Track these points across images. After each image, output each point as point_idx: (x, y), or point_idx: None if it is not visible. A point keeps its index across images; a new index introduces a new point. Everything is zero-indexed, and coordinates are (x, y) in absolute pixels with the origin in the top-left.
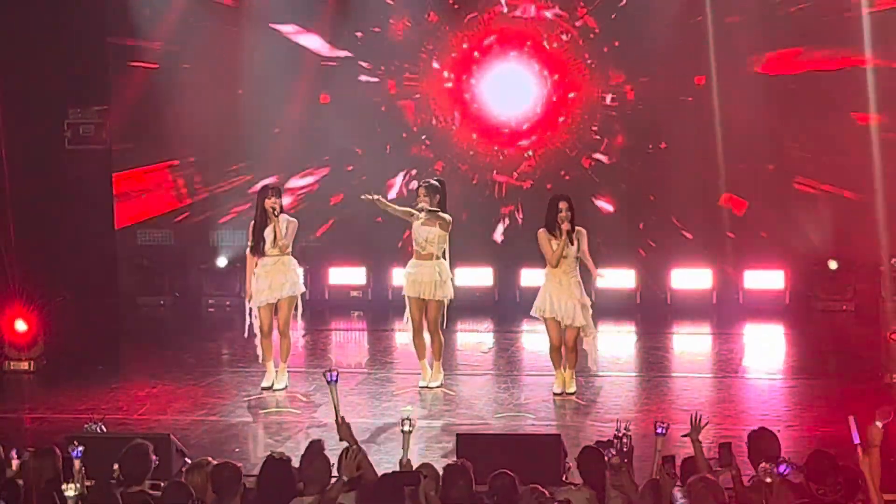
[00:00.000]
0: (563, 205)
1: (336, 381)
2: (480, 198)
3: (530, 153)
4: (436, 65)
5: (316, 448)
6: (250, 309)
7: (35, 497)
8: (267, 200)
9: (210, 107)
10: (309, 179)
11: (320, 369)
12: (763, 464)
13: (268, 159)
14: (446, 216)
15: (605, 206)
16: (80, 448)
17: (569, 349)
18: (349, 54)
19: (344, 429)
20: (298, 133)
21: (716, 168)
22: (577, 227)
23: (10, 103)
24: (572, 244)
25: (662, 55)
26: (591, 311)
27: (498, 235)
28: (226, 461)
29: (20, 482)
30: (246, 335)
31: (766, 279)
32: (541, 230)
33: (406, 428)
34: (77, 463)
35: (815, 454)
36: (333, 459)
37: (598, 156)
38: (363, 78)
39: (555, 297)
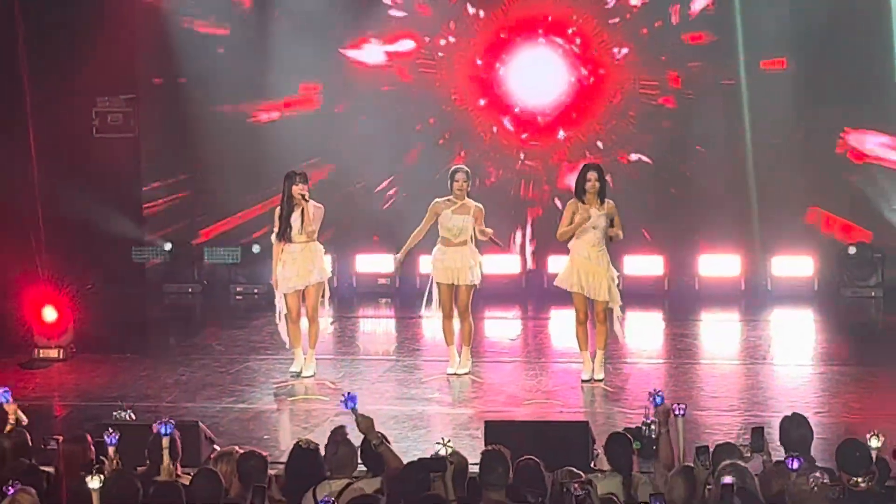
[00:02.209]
0: (591, 174)
1: (355, 407)
2: (509, 186)
3: (561, 134)
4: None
5: (339, 435)
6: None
7: (66, 484)
8: (294, 187)
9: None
10: (330, 168)
11: (348, 357)
12: (815, 473)
13: (294, 148)
14: (480, 206)
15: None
16: (116, 435)
17: (599, 321)
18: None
19: (364, 424)
20: (319, 121)
21: (744, 155)
22: (607, 201)
23: (39, 92)
24: (589, 218)
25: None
26: (616, 283)
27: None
28: (252, 450)
29: (50, 469)
30: (278, 321)
31: (794, 266)
32: (571, 200)
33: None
34: (112, 450)
35: (846, 443)
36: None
37: (634, 156)
38: (387, 63)
39: (581, 271)
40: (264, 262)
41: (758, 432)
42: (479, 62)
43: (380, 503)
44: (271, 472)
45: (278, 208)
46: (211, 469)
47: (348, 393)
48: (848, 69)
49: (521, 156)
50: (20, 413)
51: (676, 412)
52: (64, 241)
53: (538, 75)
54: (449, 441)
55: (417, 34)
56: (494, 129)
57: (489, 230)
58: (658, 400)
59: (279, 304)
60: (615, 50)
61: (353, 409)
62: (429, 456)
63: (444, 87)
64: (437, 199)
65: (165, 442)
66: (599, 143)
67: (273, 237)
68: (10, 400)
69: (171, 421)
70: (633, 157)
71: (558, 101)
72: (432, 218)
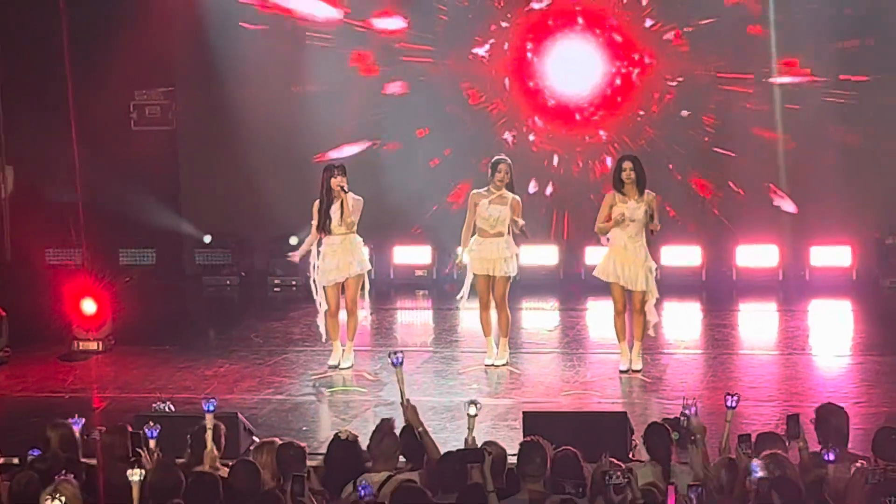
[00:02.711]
0: (626, 164)
1: (402, 363)
2: (545, 175)
3: (603, 133)
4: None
5: (386, 427)
6: (316, 287)
7: (106, 475)
8: (333, 179)
9: (271, 87)
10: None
11: (386, 348)
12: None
13: (329, 138)
14: (517, 198)
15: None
16: (157, 428)
17: (636, 312)
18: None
19: (410, 411)
20: (361, 111)
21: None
22: (646, 192)
23: (78, 86)
24: (623, 216)
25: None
26: (654, 275)
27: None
28: (290, 441)
29: (92, 461)
30: (319, 313)
31: (832, 255)
32: (609, 193)
33: (472, 412)
34: (152, 442)
35: (882, 431)
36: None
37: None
38: (426, 57)
39: (619, 262)
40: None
41: (793, 419)
42: (529, 55)
43: (422, 493)
44: (310, 463)
45: (317, 201)
46: (249, 460)
47: (397, 351)
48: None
49: (561, 145)
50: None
51: (729, 403)
52: (104, 234)
53: (579, 65)
54: (478, 403)
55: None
56: (537, 119)
57: (521, 221)
58: (693, 411)
59: (318, 297)
60: (664, 37)
61: (398, 367)
62: (467, 446)
63: (485, 76)
64: (474, 191)
65: (209, 422)
66: (639, 133)
67: (313, 229)
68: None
69: (214, 398)
70: (678, 147)
71: (600, 90)
72: (473, 209)
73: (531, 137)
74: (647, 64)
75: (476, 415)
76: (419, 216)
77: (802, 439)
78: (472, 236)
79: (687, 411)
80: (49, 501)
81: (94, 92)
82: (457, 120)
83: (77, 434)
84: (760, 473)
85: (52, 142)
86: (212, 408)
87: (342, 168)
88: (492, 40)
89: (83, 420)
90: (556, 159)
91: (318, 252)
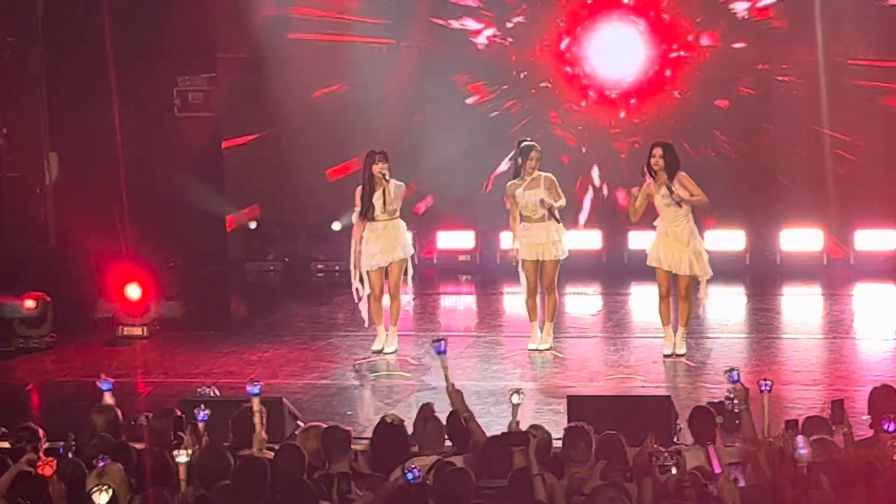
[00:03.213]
0: (656, 151)
1: (445, 351)
2: (589, 160)
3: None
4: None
5: (427, 411)
6: (359, 274)
7: (152, 458)
8: (375, 166)
9: (316, 73)
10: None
11: (430, 333)
12: None
13: (371, 124)
14: (551, 176)
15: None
16: (206, 412)
17: (681, 297)
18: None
19: (456, 396)
20: (400, 97)
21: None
22: (679, 172)
23: (121, 72)
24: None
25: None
26: (706, 256)
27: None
28: (335, 425)
29: (139, 446)
30: (356, 300)
31: (877, 239)
32: (648, 178)
33: (515, 400)
34: (201, 426)
35: None
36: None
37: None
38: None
39: (663, 246)
40: (344, 240)
41: (838, 405)
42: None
43: (468, 476)
44: (357, 447)
45: (360, 187)
46: (294, 444)
47: (440, 339)
48: None
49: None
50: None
51: (762, 388)
52: (147, 220)
53: (621, 50)
54: (520, 391)
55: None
56: (583, 103)
57: (553, 203)
58: (735, 376)
59: (356, 284)
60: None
61: (442, 354)
62: (511, 430)
63: (525, 62)
64: (509, 182)
65: (257, 405)
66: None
67: (355, 216)
68: (112, 388)
69: (259, 382)
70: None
71: (642, 75)
72: (513, 201)
73: (576, 121)
74: (696, 48)
75: (520, 403)
76: (462, 201)
77: (847, 424)
78: (518, 224)
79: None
80: (97, 494)
81: (137, 78)
82: (501, 103)
83: (119, 415)
84: (804, 451)
85: (96, 128)
86: (257, 391)
87: (384, 154)
88: (537, 20)
89: (112, 381)
90: (601, 145)
91: (362, 237)
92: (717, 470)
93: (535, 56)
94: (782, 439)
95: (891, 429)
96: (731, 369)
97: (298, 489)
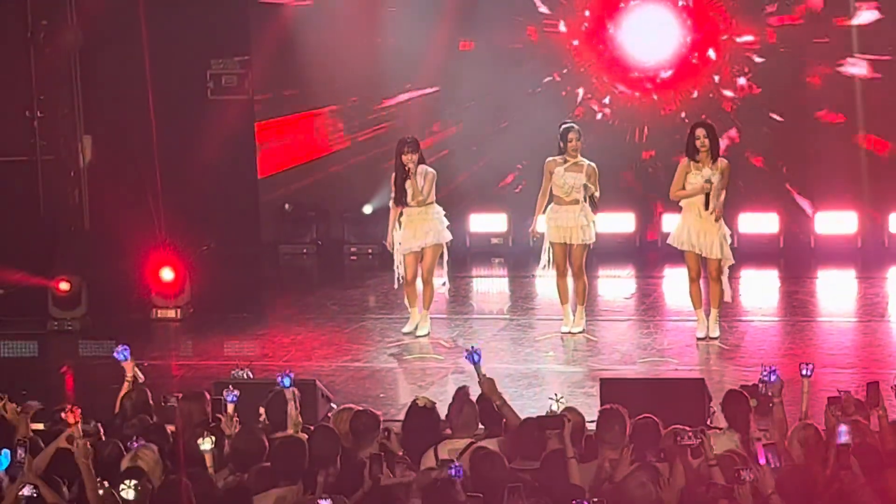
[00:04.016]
0: (699, 131)
1: (479, 361)
2: (621, 143)
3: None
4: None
5: (463, 394)
6: (396, 258)
7: (184, 440)
8: (403, 156)
9: (350, 55)
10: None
11: (462, 316)
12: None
13: (407, 106)
14: (593, 164)
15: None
16: (236, 392)
17: (713, 279)
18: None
19: (487, 384)
20: (438, 79)
21: (855, 109)
22: (721, 158)
23: (155, 55)
24: (705, 178)
25: None
26: (729, 241)
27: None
28: (365, 409)
29: (169, 427)
30: (396, 286)
31: None
32: (683, 160)
33: (554, 408)
34: (231, 407)
35: None
36: None
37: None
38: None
39: (693, 230)
40: (377, 223)
41: (874, 387)
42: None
43: (502, 460)
44: (394, 428)
45: (393, 174)
46: (328, 426)
47: (473, 347)
48: None
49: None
50: (137, 371)
51: (804, 372)
52: (181, 203)
53: (656, 32)
54: (561, 398)
55: None
56: (618, 87)
57: (596, 192)
58: (773, 378)
59: (398, 269)
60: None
61: (477, 364)
62: (545, 413)
63: (561, 46)
64: (549, 158)
65: (289, 393)
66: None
67: (391, 202)
68: (129, 357)
69: (291, 373)
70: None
71: (677, 57)
72: (549, 176)
73: (607, 104)
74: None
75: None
76: (495, 183)
77: (882, 407)
78: (547, 204)
79: (765, 377)
80: (125, 490)
81: (170, 61)
82: (534, 87)
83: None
84: (846, 439)
85: (129, 111)
86: (288, 383)
87: (413, 143)
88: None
89: (128, 348)
90: (633, 127)
91: (399, 223)
92: (762, 461)
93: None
94: (825, 416)
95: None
96: (771, 370)
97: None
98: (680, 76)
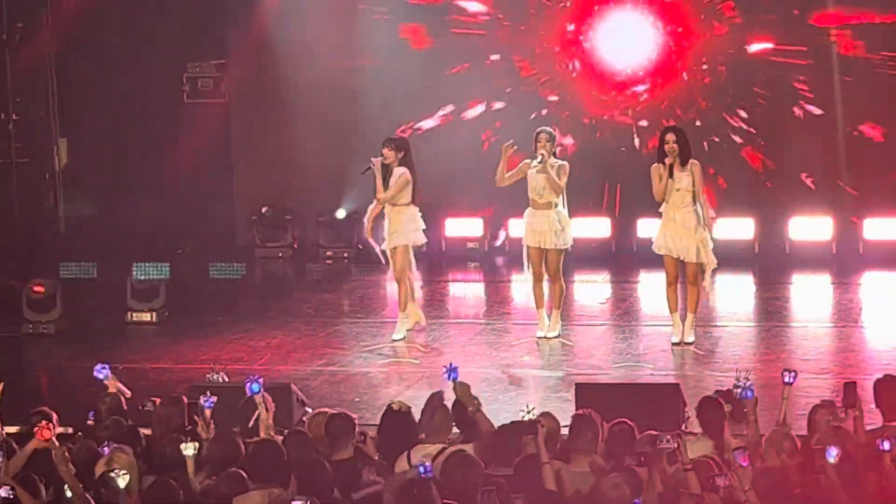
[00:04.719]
0: (669, 136)
1: (456, 377)
2: (599, 148)
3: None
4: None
5: (437, 400)
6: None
7: (161, 445)
8: (384, 150)
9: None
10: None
11: (438, 320)
12: None
13: (378, 111)
14: (565, 163)
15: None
16: (213, 398)
17: (690, 284)
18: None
19: (461, 390)
20: (410, 84)
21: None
22: (691, 160)
23: (130, 58)
24: (671, 176)
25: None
26: (711, 244)
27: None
28: (340, 412)
29: (144, 431)
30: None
31: (887, 228)
32: (654, 164)
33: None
34: (208, 412)
35: None
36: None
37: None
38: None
39: (670, 233)
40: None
41: (850, 388)
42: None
43: (477, 464)
44: (369, 433)
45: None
46: (303, 430)
47: (451, 364)
48: None
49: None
50: (121, 386)
51: (786, 379)
52: (157, 206)
53: (631, 36)
54: (533, 408)
55: None
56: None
57: (553, 176)
58: (748, 394)
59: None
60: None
61: (454, 381)
62: (520, 419)
63: (537, 49)
64: (527, 160)
65: (259, 398)
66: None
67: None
68: (110, 376)
69: (260, 378)
70: (730, 119)
71: (651, 60)
72: (519, 174)
73: (583, 109)
74: (698, 35)
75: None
76: (470, 189)
77: (858, 408)
78: (503, 176)
79: (740, 389)
80: (119, 478)
81: (146, 64)
82: (507, 92)
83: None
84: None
85: (105, 114)
86: (257, 389)
87: (392, 140)
88: (541, 11)
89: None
90: (607, 131)
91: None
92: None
93: (550, 44)
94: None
95: (886, 447)
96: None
97: (314, 470)
98: (654, 78)
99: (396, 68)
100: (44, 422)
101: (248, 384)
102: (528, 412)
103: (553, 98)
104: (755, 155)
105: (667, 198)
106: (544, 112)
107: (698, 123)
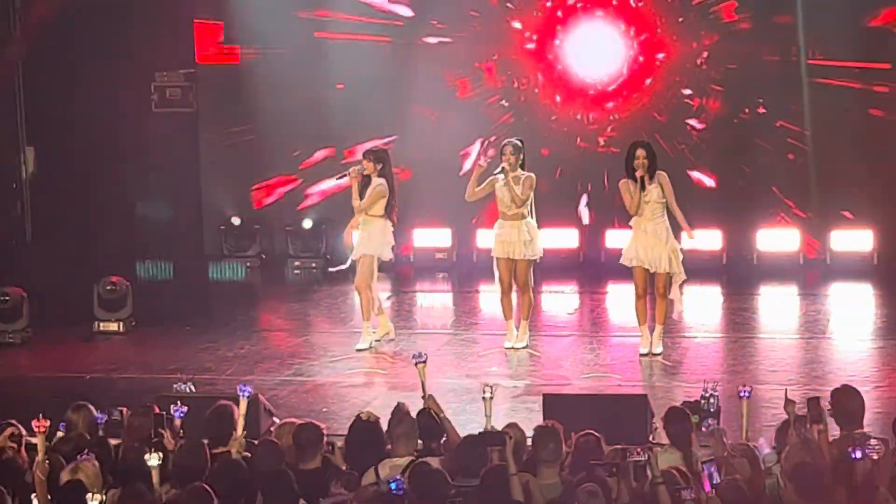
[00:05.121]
0: (639, 152)
1: (425, 362)
2: (566, 160)
3: (616, 116)
4: (517, 25)
5: (402, 411)
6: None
7: (130, 454)
8: (364, 161)
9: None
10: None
11: (406, 331)
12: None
13: (341, 125)
14: (531, 175)
15: (702, 178)
16: (183, 409)
17: (659, 295)
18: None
19: (431, 401)
20: (371, 97)
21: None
22: (658, 172)
23: (98, 67)
24: (643, 189)
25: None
26: (681, 257)
27: (582, 205)
28: (308, 422)
29: (113, 441)
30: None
31: (853, 240)
32: (622, 180)
33: (487, 395)
34: (178, 422)
35: None
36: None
37: (689, 121)
38: (434, 39)
39: (641, 245)
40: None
41: (814, 402)
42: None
43: (444, 476)
44: (338, 443)
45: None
46: (272, 441)
47: (420, 352)
48: None
49: (580, 130)
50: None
51: (742, 394)
52: (124, 215)
53: (598, 49)
54: (494, 386)
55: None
56: (558, 97)
57: (514, 186)
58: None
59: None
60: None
61: (421, 366)
62: (487, 430)
63: (504, 63)
64: (496, 172)
65: (243, 408)
66: (658, 116)
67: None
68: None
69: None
70: (694, 124)
71: (618, 74)
72: (489, 188)
73: (552, 118)
74: (666, 45)
75: (492, 397)
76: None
77: (823, 422)
78: (473, 189)
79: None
80: (150, 458)
81: (114, 73)
82: (475, 103)
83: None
84: (768, 451)
85: (73, 123)
86: (248, 393)
87: (371, 152)
88: (514, 23)
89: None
90: (575, 142)
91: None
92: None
93: (515, 54)
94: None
95: (857, 456)
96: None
97: (279, 482)
98: (623, 94)
99: (364, 80)
100: (37, 423)
101: (242, 389)
102: (491, 396)
103: (514, 114)
104: (726, 166)
105: (639, 211)
106: (512, 121)
107: (662, 133)
